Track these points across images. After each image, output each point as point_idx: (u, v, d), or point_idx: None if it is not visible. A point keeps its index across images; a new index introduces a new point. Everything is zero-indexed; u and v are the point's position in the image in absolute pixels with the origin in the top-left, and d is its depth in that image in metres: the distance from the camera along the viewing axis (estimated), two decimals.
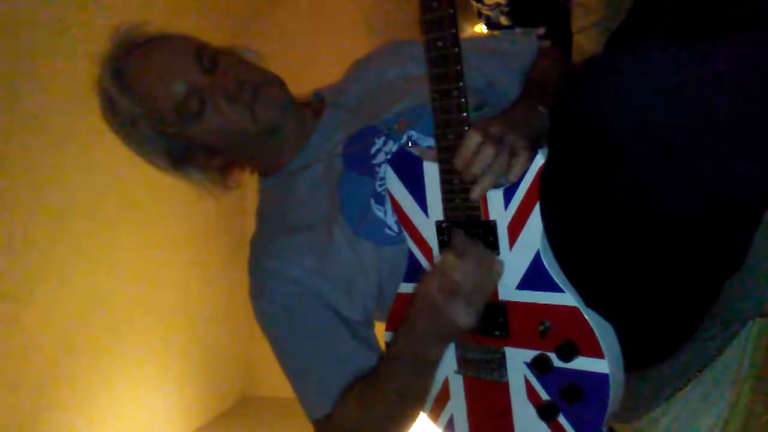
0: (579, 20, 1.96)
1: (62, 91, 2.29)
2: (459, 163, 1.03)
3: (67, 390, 2.42)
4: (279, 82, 1.31)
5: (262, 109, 1.25)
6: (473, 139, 1.01)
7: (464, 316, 1.03)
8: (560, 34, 2.06)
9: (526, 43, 1.44)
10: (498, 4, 2.27)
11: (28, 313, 2.24)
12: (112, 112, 1.28)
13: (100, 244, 2.56)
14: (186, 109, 1.24)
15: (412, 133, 1.25)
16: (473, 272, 1.03)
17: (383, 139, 1.27)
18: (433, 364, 1.15)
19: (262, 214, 1.38)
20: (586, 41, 1.92)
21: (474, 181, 1.04)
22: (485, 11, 2.32)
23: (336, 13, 3.22)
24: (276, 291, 1.27)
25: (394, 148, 1.25)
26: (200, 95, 1.24)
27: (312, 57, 3.16)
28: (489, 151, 1.01)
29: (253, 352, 3.40)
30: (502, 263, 1.07)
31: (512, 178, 1.03)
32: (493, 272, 1.06)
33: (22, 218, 2.22)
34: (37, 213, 2.27)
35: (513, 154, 1.02)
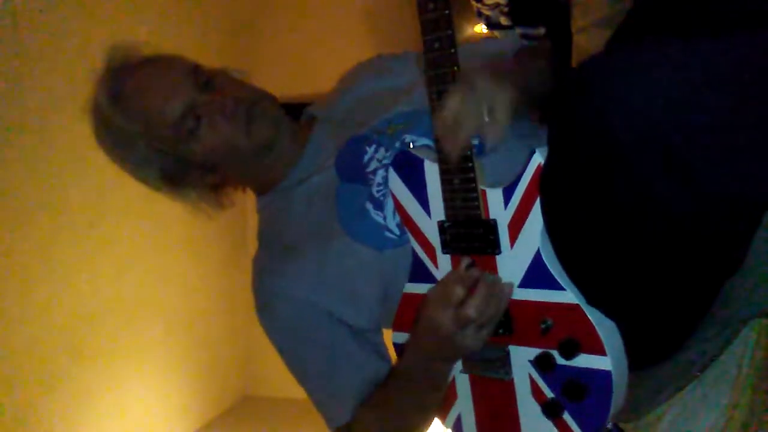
0: (579, 20, 1.96)
1: (63, 91, 2.29)
2: (438, 123, 1.04)
3: (67, 390, 2.42)
4: (272, 99, 1.33)
5: (258, 126, 1.26)
6: (453, 101, 1.02)
7: (474, 344, 1.07)
8: (560, 34, 2.06)
9: (507, 40, 1.45)
10: (498, 4, 2.27)
11: (28, 313, 2.25)
12: (106, 131, 1.29)
13: (101, 245, 2.56)
14: (183, 127, 1.25)
15: (406, 137, 1.26)
16: (485, 305, 1.05)
17: (374, 146, 1.28)
18: (444, 376, 1.17)
19: (261, 233, 1.38)
20: (586, 41, 1.92)
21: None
22: (485, 11, 2.31)
23: (336, 14, 3.22)
24: (281, 309, 1.28)
25: (387, 155, 1.25)
26: (196, 113, 1.25)
27: (312, 58, 3.17)
28: (469, 110, 1.02)
29: (253, 352, 3.40)
30: (512, 285, 1.09)
31: (488, 141, 1.04)
32: (504, 298, 1.08)
33: (22, 218, 2.22)
34: (37, 213, 2.27)
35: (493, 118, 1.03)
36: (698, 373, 1.15)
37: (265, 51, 3.31)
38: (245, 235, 3.19)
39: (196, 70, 1.27)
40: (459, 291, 1.05)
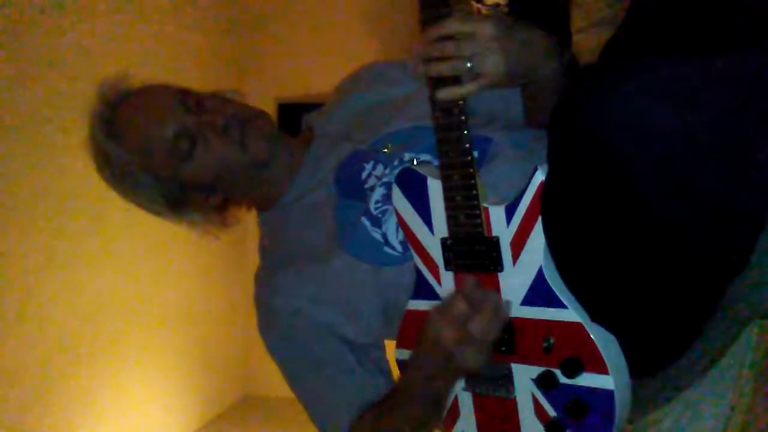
0: (579, 21, 1.96)
1: (62, 91, 2.29)
2: (424, 38, 1.04)
3: (67, 390, 2.43)
4: (265, 115, 1.33)
5: (252, 140, 1.27)
6: (449, 27, 1.03)
7: (476, 362, 1.06)
8: (560, 35, 2.05)
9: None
10: (498, 5, 2.26)
11: (28, 313, 2.25)
12: (106, 164, 1.30)
13: (101, 245, 2.56)
14: (178, 150, 1.26)
15: (405, 154, 1.26)
16: (487, 324, 1.04)
17: (372, 163, 1.28)
18: (444, 397, 1.17)
19: (263, 248, 1.39)
20: (586, 42, 1.91)
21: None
22: (485, 11, 2.31)
23: (336, 13, 3.21)
24: (281, 324, 1.28)
25: (386, 172, 1.25)
26: (190, 134, 1.25)
27: (313, 58, 3.15)
28: (450, 46, 1.03)
29: (253, 352, 3.41)
30: (509, 304, 1.09)
31: (441, 95, 1.04)
32: (504, 317, 1.08)
33: (22, 218, 2.22)
34: (37, 213, 2.27)
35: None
36: (699, 375, 1.14)
37: (266, 52, 3.30)
38: (246, 236, 3.19)
39: (184, 93, 1.29)
40: (462, 308, 1.04)
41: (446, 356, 1.07)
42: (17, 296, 2.22)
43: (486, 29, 1.04)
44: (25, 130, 2.22)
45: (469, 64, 1.04)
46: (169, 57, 2.90)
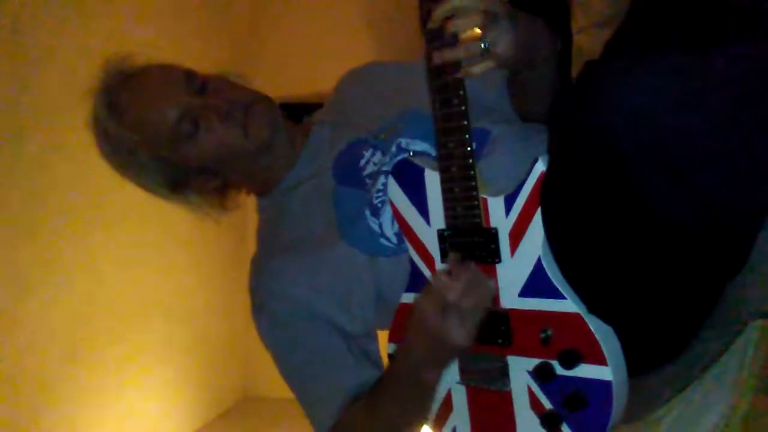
0: (579, 20, 1.96)
1: (62, 91, 2.29)
2: (433, 16, 1.01)
3: (67, 390, 2.42)
4: (268, 101, 1.32)
5: (254, 126, 1.26)
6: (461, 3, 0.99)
7: (459, 336, 1.04)
8: (560, 34, 2.05)
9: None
10: None
11: (28, 313, 2.24)
12: (107, 143, 1.30)
13: (100, 245, 2.55)
14: (180, 132, 1.25)
15: (401, 140, 1.25)
16: (465, 291, 1.03)
17: (371, 150, 1.28)
18: (433, 386, 1.15)
19: (260, 234, 1.39)
20: (586, 41, 1.92)
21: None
22: None
23: (336, 14, 3.21)
24: (275, 310, 1.28)
25: (385, 159, 1.25)
26: (193, 116, 1.25)
27: (312, 59, 3.16)
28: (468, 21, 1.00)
29: (253, 353, 3.40)
30: (492, 281, 1.08)
31: (470, 70, 1.02)
32: (486, 289, 1.07)
33: (22, 218, 2.22)
34: (37, 214, 2.27)
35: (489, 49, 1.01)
36: (700, 375, 1.14)
37: (265, 52, 3.31)
38: (245, 235, 3.18)
39: (190, 75, 1.28)
40: (443, 279, 1.04)
41: (432, 334, 1.05)
42: (17, 297, 2.22)
43: (497, 6, 1.00)
44: (23, 130, 2.22)
45: (483, 45, 1.01)
46: (168, 57, 2.88)
